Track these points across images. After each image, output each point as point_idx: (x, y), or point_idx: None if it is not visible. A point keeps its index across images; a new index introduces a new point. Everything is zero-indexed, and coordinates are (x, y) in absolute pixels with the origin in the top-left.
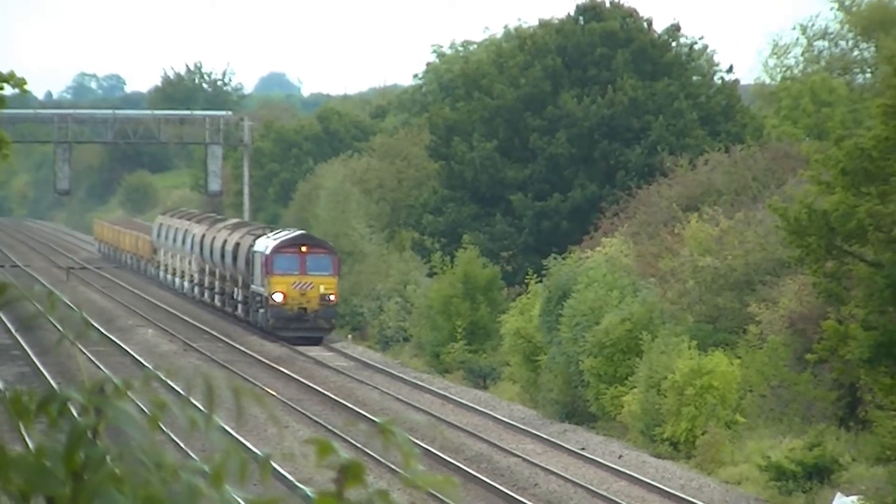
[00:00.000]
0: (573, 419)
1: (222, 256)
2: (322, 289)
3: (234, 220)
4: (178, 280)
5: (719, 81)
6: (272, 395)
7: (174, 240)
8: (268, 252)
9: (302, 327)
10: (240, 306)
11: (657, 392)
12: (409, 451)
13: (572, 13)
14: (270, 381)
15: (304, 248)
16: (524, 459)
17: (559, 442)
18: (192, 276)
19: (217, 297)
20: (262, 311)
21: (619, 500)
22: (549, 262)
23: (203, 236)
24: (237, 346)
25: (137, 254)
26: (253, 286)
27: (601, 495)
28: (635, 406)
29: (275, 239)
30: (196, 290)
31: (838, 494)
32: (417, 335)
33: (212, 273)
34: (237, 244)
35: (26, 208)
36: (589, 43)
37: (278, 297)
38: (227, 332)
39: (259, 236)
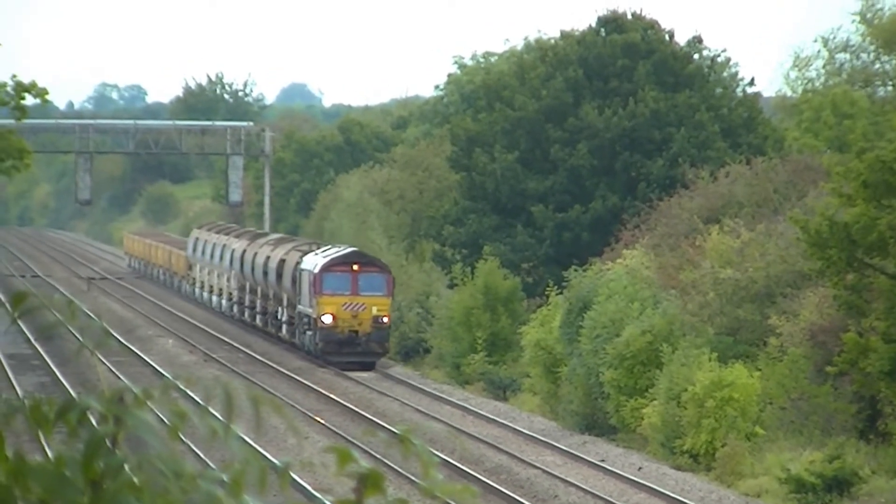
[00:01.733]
0: (593, 431)
1: (265, 274)
2: (375, 310)
3: (277, 235)
4: (215, 298)
5: (741, 94)
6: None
7: (211, 255)
8: (316, 270)
9: (353, 352)
10: (284, 327)
11: (677, 404)
12: (428, 461)
13: (594, 25)
14: (290, 391)
15: (355, 267)
16: (544, 471)
17: (579, 454)
18: (230, 293)
19: (259, 316)
20: (309, 333)
21: None
22: (569, 273)
23: (244, 252)
24: (257, 356)
25: (171, 269)
26: (300, 306)
27: None
28: (655, 418)
29: (324, 256)
30: (235, 308)
31: None
32: (438, 346)
33: (252, 291)
34: (282, 261)
35: (47, 218)
36: (610, 54)
37: (328, 319)
38: (247, 342)
39: (306, 253)
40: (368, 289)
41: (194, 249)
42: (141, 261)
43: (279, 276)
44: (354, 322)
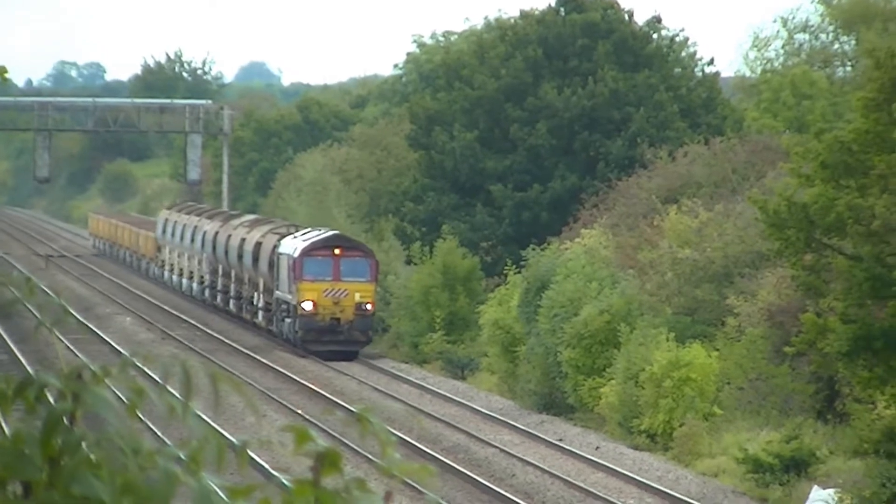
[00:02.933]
0: (551, 410)
1: (240, 257)
2: (358, 297)
3: (252, 217)
4: (185, 281)
5: (700, 74)
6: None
7: (182, 237)
8: (296, 255)
9: (335, 340)
10: (261, 314)
11: (635, 384)
12: (386, 440)
13: (553, 4)
14: (248, 370)
15: (337, 251)
16: (501, 450)
17: (537, 433)
18: (202, 277)
19: (232, 301)
20: (288, 320)
21: (596, 492)
22: (528, 252)
23: (217, 234)
24: (215, 334)
25: (139, 252)
26: (277, 292)
27: (578, 486)
28: (613, 398)
29: (304, 240)
30: (207, 292)
31: (815, 487)
32: (396, 325)
33: (226, 275)
34: (258, 244)
35: (5, 196)
36: (570, 34)
37: (308, 306)
38: (204, 320)
39: (284, 236)
40: (351, 274)
41: (163, 231)
42: (106, 242)
43: (255, 259)
44: (336, 309)
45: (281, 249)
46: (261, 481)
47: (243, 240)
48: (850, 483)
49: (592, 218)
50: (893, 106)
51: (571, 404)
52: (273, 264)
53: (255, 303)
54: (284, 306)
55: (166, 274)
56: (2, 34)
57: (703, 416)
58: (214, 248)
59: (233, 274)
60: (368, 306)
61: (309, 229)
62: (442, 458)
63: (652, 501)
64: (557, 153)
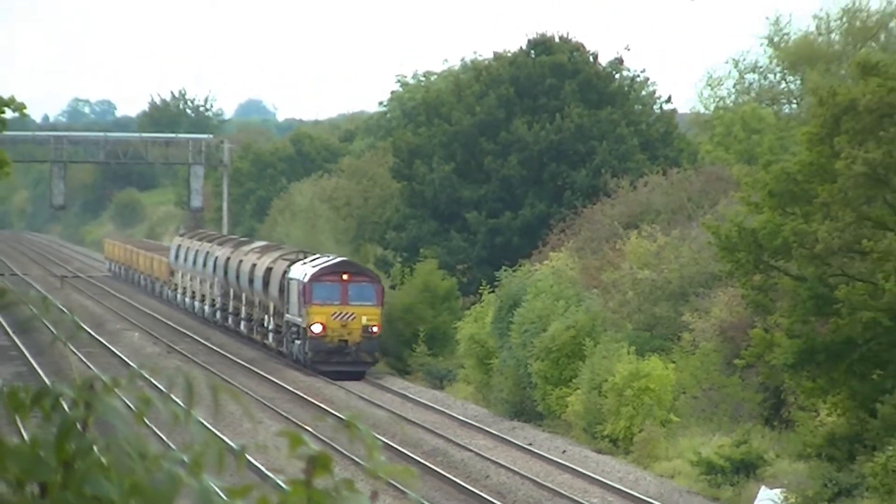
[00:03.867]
0: (521, 417)
1: (251, 281)
2: (364, 320)
3: (262, 243)
4: (197, 304)
5: (658, 110)
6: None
7: (194, 262)
8: (306, 280)
9: (343, 361)
10: (271, 335)
11: (598, 393)
12: (372, 444)
13: (524, 47)
14: (245, 380)
15: (345, 277)
16: (476, 454)
17: (509, 438)
18: (213, 300)
19: (244, 323)
20: (298, 342)
21: (563, 492)
22: (501, 274)
23: (228, 259)
24: (216, 348)
25: (153, 275)
26: (288, 315)
27: (546, 487)
28: (578, 406)
29: (313, 266)
30: (218, 315)
31: (763, 488)
32: (381, 339)
33: (237, 298)
34: (269, 269)
35: (24, 222)
36: (539, 74)
37: (317, 329)
38: (206, 335)
39: (294, 262)
40: (358, 298)
41: (176, 256)
42: (122, 265)
43: (266, 284)
44: (344, 332)
45: (291, 275)
46: (257, 482)
47: (254, 265)
48: (795, 484)
49: (560, 242)
50: (835, 140)
51: (540, 412)
52: (283, 289)
53: (265, 325)
54: (295, 328)
55: (179, 296)
56: (21, 73)
57: (660, 422)
58: (226, 272)
59: (244, 297)
60: (375, 329)
61: (317, 256)
62: (422, 460)
63: (614, 501)
64: (527, 183)
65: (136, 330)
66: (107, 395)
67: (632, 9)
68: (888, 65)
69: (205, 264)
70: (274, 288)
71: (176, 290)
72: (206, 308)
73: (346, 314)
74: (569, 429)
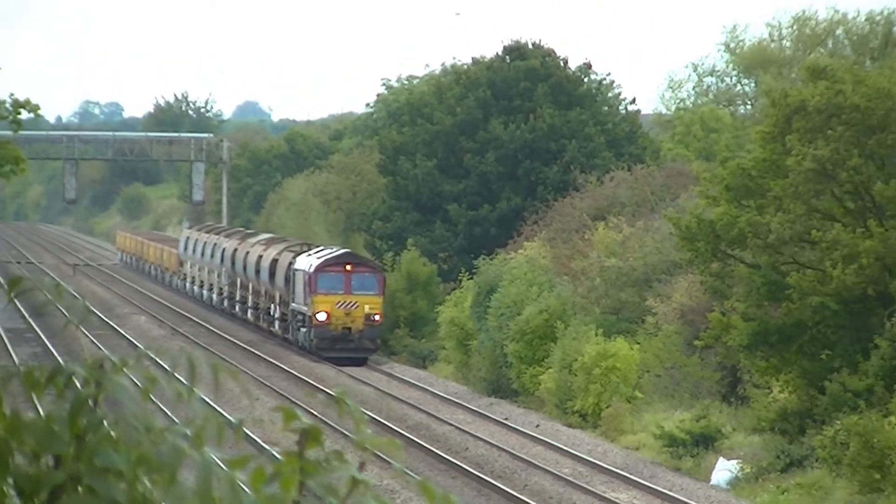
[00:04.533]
0: (498, 394)
1: (257, 272)
2: (367, 308)
3: (268, 236)
4: (205, 292)
5: (623, 111)
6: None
7: (202, 253)
8: (311, 270)
9: (346, 348)
10: (277, 323)
11: (569, 372)
12: (359, 419)
13: (500, 52)
14: (243, 360)
15: (348, 267)
16: (456, 427)
17: (486, 413)
18: (221, 289)
19: (250, 311)
20: (303, 330)
21: (536, 463)
22: (479, 262)
23: (235, 251)
24: (216, 330)
25: (162, 265)
26: (293, 304)
27: (521, 458)
28: (550, 383)
29: (318, 257)
30: (226, 303)
31: (720, 459)
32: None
33: (244, 287)
34: (274, 260)
35: (39, 214)
36: (514, 78)
37: (322, 317)
38: (207, 318)
39: (299, 253)
40: (361, 288)
41: (185, 247)
42: (133, 256)
43: (272, 274)
44: (347, 319)
45: (297, 265)
46: (254, 454)
47: (260, 256)
48: (750, 455)
49: (533, 233)
50: (786, 138)
51: (515, 389)
52: (289, 279)
53: (271, 313)
54: (300, 317)
55: (188, 285)
56: (35, 77)
57: (626, 399)
58: (233, 263)
59: (250, 287)
60: (377, 317)
61: (321, 247)
62: (406, 434)
63: (583, 471)
64: (503, 178)
65: (142, 314)
66: (116, 374)
67: (599, 18)
68: (835, 69)
69: (213, 255)
70: (280, 278)
71: (185, 279)
72: (214, 296)
73: (350, 303)
74: (541, 405)
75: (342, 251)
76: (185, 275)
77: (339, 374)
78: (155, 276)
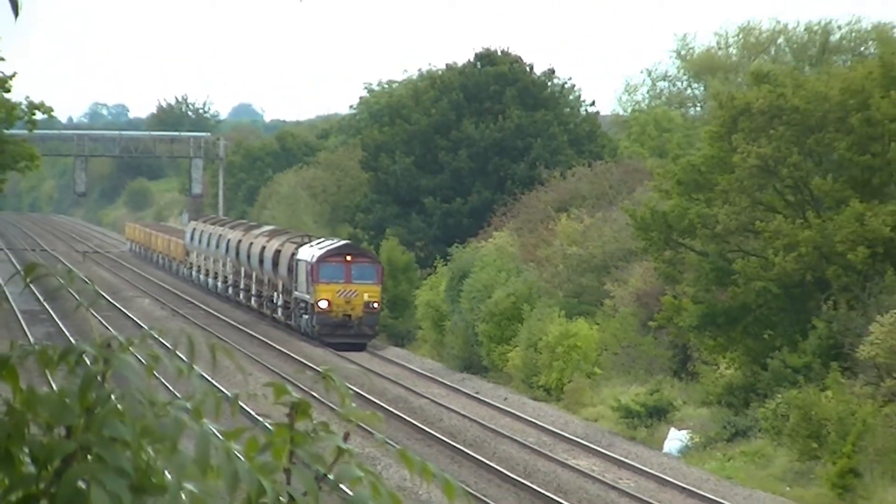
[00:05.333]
0: (470, 370)
1: (261, 262)
2: (366, 296)
3: (270, 228)
4: (210, 280)
5: (584, 112)
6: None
7: (208, 244)
8: (313, 261)
9: (346, 334)
10: (280, 310)
11: (534, 350)
12: (344, 393)
13: (472, 59)
14: (238, 339)
15: (348, 258)
16: (432, 401)
17: (459, 387)
18: (225, 277)
19: (254, 298)
20: (306, 316)
21: (504, 433)
22: (452, 250)
23: (239, 241)
24: (213, 312)
25: (170, 255)
26: (296, 292)
27: (491, 429)
28: (517, 360)
29: (319, 248)
30: (230, 290)
31: (672, 429)
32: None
33: (247, 276)
34: (277, 251)
35: (52, 206)
36: (484, 82)
37: (324, 304)
38: (205, 301)
39: (301, 245)
40: (360, 277)
41: (192, 238)
42: (141, 246)
43: (275, 264)
44: (348, 307)
45: (299, 256)
46: (248, 425)
47: (263, 247)
48: (699, 426)
49: (502, 223)
50: (733, 137)
51: (485, 366)
52: (292, 269)
53: (274, 301)
54: (303, 304)
55: (194, 274)
56: (49, 81)
57: (586, 374)
58: (238, 253)
59: (254, 276)
60: (375, 305)
61: (322, 239)
62: (387, 406)
63: (547, 440)
64: (475, 174)
65: (146, 297)
66: (122, 352)
67: (562, 27)
68: (777, 74)
69: (218, 246)
70: (283, 268)
71: (191, 268)
72: (220, 284)
73: (350, 291)
74: (509, 380)
75: (343, 242)
76: (191, 264)
77: (326, 353)
78: (162, 264)
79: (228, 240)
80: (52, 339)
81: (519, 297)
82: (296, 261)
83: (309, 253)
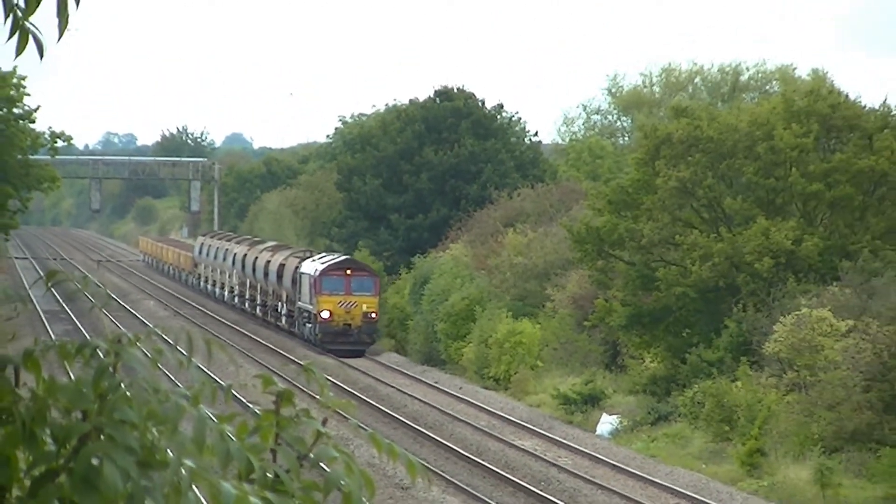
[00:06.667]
0: (430, 363)
1: (266, 274)
2: (365, 307)
3: (273, 243)
4: (217, 290)
5: (528, 141)
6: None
7: (215, 256)
8: (316, 274)
9: (347, 341)
10: (283, 318)
11: (485, 345)
12: (322, 384)
13: (432, 95)
14: (231, 335)
15: (348, 272)
16: (398, 389)
17: (421, 378)
18: (231, 287)
19: (259, 308)
20: (309, 325)
21: (459, 417)
22: (415, 259)
23: (245, 255)
24: (209, 312)
25: (179, 266)
26: (299, 303)
27: (448, 414)
28: (471, 354)
29: (322, 263)
30: (237, 299)
31: (604, 414)
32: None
33: (252, 287)
34: (282, 265)
35: (70, 221)
36: (442, 115)
37: (326, 314)
38: (203, 303)
39: (303, 259)
40: (359, 289)
41: (200, 251)
42: (153, 258)
43: (279, 277)
44: (348, 317)
45: (302, 269)
46: (240, 411)
47: (268, 261)
48: (627, 411)
49: (457, 236)
50: (656, 163)
51: (443, 359)
52: (296, 281)
53: (279, 310)
54: (306, 314)
55: (202, 284)
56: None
57: (530, 367)
58: (244, 266)
59: (259, 287)
60: (373, 315)
61: (324, 254)
62: (359, 394)
63: (496, 423)
64: (434, 194)
65: (151, 300)
66: (130, 346)
67: (510, 67)
68: (694, 109)
69: (224, 259)
70: (287, 280)
71: (199, 278)
72: (226, 294)
73: (350, 302)
74: (464, 371)
75: (343, 257)
76: (199, 274)
77: (308, 349)
78: (172, 274)
79: (235, 253)
80: (70, 335)
81: (472, 300)
82: (299, 274)
83: (312, 267)
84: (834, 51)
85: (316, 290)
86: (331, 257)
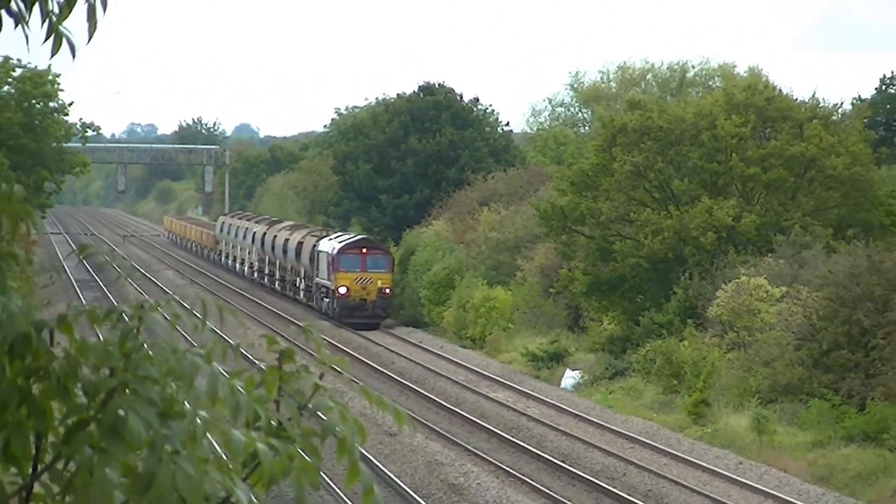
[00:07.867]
0: (415, 325)
1: (284, 252)
2: (379, 283)
3: (290, 223)
4: (238, 265)
5: (501, 130)
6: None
7: (236, 234)
8: (334, 252)
9: (362, 315)
10: (302, 293)
11: (463, 310)
12: (319, 343)
13: (416, 90)
14: (240, 301)
15: (364, 250)
16: (386, 348)
17: (407, 338)
18: (251, 263)
19: (277, 283)
20: (326, 300)
21: (440, 372)
22: (402, 235)
23: (264, 234)
24: (221, 281)
25: (201, 243)
26: (317, 279)
27: (430, 369)
28: (451, 318)
29: (339, 241)
30: (256, 274)
31: (567, 370)
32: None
33: (272, 263)
34: (300, 243)
35: (99, 201)
36: (426, 108)
37: (343, 290)
38: (216, 273)
39: (321, 238)
40: (374, 267)
41: (221, 230)
42: (177, 236)
43: (297, 254)
44: (364, 292)
45: (320, 248)
46: (247, 367)
47: (287, 239)
48: (588, 367)
49: (438, 214)
50: (613, 150)
51: (427, 322)
52: (313, 258)
53: (297, 285)
54: (324, 290)
55: (223, 259)
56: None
57: (502, 328)
58: (263, 244)
59: (277, 263)
60: (388, 290)
61: (340, 233)
62: (352, 352)
63: (473, 378)
64: (418, 177)
65: (169, 269)
66: (152, 311)
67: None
68: (646, 102)
69: (244, 237)
70: (305, 257)
71: (220, 254)
72: (246, 269)
73: (365, 279)
74: (444, 332)
75: (359, 237)
76: (220, 251)
77: (307, 312)
78: (194, 250)
79: (254, 232)
80: (99, 301)
81: (452, 270)
82: (317, 252)
83: (329, 245)
84: (770, 49)
85: (334, 268)
86: (347, 236)
